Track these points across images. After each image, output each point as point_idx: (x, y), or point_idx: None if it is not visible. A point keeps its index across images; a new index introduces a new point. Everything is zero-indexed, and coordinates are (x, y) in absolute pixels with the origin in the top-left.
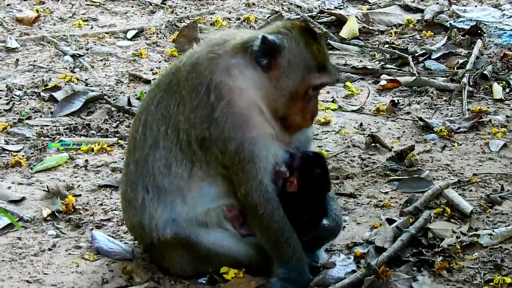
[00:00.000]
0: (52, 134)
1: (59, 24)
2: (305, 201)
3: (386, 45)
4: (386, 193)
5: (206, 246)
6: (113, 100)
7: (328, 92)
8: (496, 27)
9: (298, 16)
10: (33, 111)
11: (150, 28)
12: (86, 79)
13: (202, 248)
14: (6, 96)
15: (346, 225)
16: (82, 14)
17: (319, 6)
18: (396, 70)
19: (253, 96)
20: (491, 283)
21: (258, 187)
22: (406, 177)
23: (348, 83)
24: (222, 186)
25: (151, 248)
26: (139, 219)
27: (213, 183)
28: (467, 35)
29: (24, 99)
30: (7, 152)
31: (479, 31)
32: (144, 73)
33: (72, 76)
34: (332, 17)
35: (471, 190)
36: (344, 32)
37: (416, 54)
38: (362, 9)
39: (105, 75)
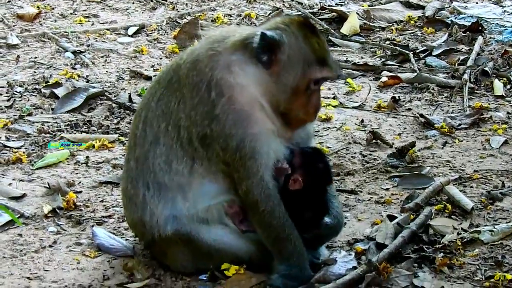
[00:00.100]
0: (53, 130)
1: (60, 21)
2: (308, 198)
3: (387, 42)
4: (387, 189)
5: (207, 242)
6: (114, 96)
7: (329, 89)
8: (497, 23)
9: (300, 13)
10: (34, 107)
11: (151, 25)
12: (87, 76)
13: (203, 244)
14: (7, 93)
15: (347, 222)
16: (83, 10)
17: (320, 2)
18: (397, 66)
19: (254, 92)
20: (492, 280)
21: (259, 183)
22: (407, 173)
23: (349, 80)
24: (223, 183)
25: (152, 244)
26: (140, 216)
27: (214, 180)
28: (468, 32)
29: (25, 95)
30: (8, 148)
31: (480, 28)
32: (145, 70)
33: (73, 72)
34: (333, 13)
35: (472, 187)
36: (345, 29)
37: (417, 51)
38: (363, 6)
39: (106, 71)
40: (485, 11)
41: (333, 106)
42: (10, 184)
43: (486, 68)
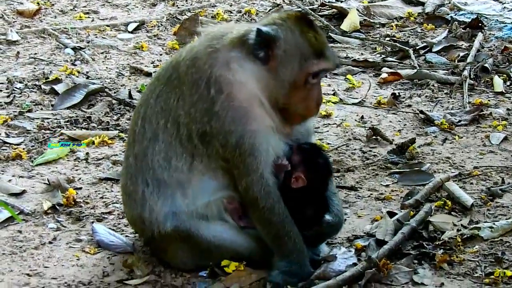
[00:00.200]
0: (53, 127)
1: (60, 17)
2: (310, 195)
3: (387, 38)
4: (387, 186)
5: (206, 239)
6: (114, 93)
7: (329, 85)
8: (497, 20)
9: (300, 9)
10: (34, 104)
11: (151, 21)
12: (87, 72)
13: (203, 241)
14: (6, 89)
15: (347, 218)
16: (83, 6)
17: None
18: (397, 63)
19: (253, 89)
20: (492, 276)
21: (258, 180)
22: (407, 170)
23: (349, 76)
24: (222, 179)
25: (152, 241)
26: (139, 212)
27: (214, 176)
28: (468, 28)
29: (24, 91)
30: (8, 145)
31: (480, 24)
32: (145, 66)
33: (73, 69)
34: (333, 10)
35: (471, 183)
36: (345, 25)
37: (417, 47)
38: (363, 2)
39: (106, 68)
40: (485, 8)
41: (333, 103)
42: (9, 180)
43: (486, 65)
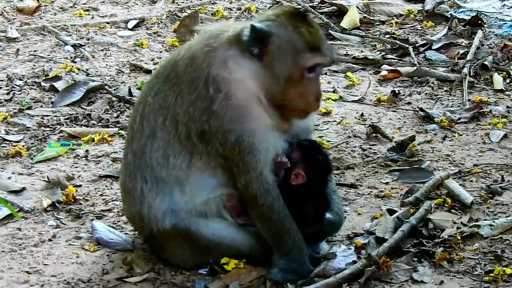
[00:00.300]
0: (52, 124)
1: (60, 14)
2: (310, 192)
3: (387, 36)
4: (386, 183)
5: (206, 236)
6: (114, 90)
7: (329, 82)
8: (497, 17)
9: (299, 6)
10: (34, 101)
11: (151, 18)
12: (87, 69)
13: (202, 239)
14: (6, 86)
15: (347, 216)
16: (83, 3)
17: None
18: (397, 60)
19: (250, 87)
20: (492, 274)
21: (258, 178)
22: (407, 167)
23: (349, 74)
24: (221, 177)
25: (151, 238)
26: (138, 210)
27: (213, 174)
28: (467, 26)
29: (24, 89)
30: (7, 142)
31: (480, 22)
32: (145, 63)
33: (72, 66)
34: (333, 7)
35: (471, 181)
36: (345, 22)
37: (417, 45)
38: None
39: (106, 65)
40: (484, 5)
41: (333, 100)
42: (9, 177)
43: (486, 62)
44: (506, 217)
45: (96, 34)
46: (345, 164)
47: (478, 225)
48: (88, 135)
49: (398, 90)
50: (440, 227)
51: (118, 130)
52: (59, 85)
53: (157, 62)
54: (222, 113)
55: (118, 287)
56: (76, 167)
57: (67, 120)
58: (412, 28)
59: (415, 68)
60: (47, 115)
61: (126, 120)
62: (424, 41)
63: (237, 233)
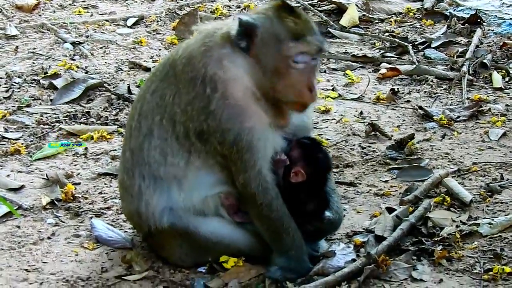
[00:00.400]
0: (51, 122)
1: (59, 11)
2: (310, 189)
3: (386, 34)
4: (386, 181)
5: (204, 235)
6: (113, 87)
7: (328, 81)
8: (496, 16)
9: (298, 4)
10: (33, 98)
11: (150, 16)
12: (86, 67)
13: (201, 238)
14: (5, 84)
15: (346, 214)
16: (82, 1)
17: None
18: (396, 58)
19: (246, 84)
20: (491, 272)
21: (256, 176)
22: (406, 165)
23: (348, 72)
24: (220, 175)
25: (150, 237)
26: (136, 207)
27: (211, 172)
28: (466, 24)
29: (23, 86)
30: (6, 140)
31: (479, 20)
32: (144, 61)
33: (72, 63)
34: (332, 5)
35: (470, 179)
36: (344, 21)
37: (416, 43)
38: None
39: (105, 62)
40: (483, 3)
41: (332, 98)
42: (8, 175)
43: (485, 60)
44: (505, 215)
45: (95, 32)
46: (344, 162)
47: (477, 223)
48: (87, 133)
49: (397, 88)
50: (439, 226)
51: (117, 128)
52: (58, 82)
53: (156, 60)
54: (219, 112)
55: (117, 285)
56: (75, 165)
57: (66, 118)
58: (411, 26)
59: (414, 66)
60: (46, 113)
61: (125, 118)
62: (423, 39)
63: (236, 232)
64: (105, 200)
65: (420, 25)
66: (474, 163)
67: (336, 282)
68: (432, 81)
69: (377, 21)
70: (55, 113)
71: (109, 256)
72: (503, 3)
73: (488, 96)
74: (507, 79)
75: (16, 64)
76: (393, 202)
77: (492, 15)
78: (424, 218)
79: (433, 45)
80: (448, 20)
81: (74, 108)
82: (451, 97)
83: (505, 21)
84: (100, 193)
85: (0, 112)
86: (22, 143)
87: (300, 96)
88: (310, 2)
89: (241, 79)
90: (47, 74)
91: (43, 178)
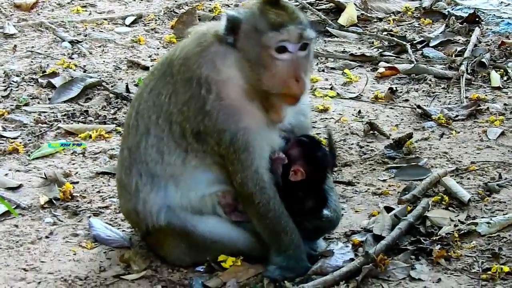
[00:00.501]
0: (49, 120)
1: (57, 10)
2: (309, 188)
3: (385, 33)
4: (384, 181)
5: (202, 234)
6: (111, 86)
7: (326, 79)
8: (494, 15)
9: (296, 3)
10: (31, 97)
11: (148, 15)
12: (84, 66)
13: (199, 236)
14: (3, 82)
15: (344, 213)
16: (80, 0)
17: None
18: (394, 57)
19: (239, 82)
20: (489, 272)
21: (253, 176)
22: (404, 164)
23: (346, 71)
24: (217, 174)
25: (148, 235)
26: (133, 205)
27: (208, 171)
28: (465, 23)
29: (21, 85)
30: (4, 138)
31: (477, 19)
32: (143, 60)
33: (70, 62)
34: (331, 4)
35: (469, 178)
36: (342, 19)
37: (415, 42)
38: None
39: (103, 61)
40: (482, 2)
41: (330, 97)
42: (6, 174)
43: (483, 60)
44: (503, 214)
45: (94, 31)
46: (342, 162)
47: (475, 222)
48: (85, 131)
49: (396, 87)
50: (437, 225)
51: (115, 126)
52: (57, 81)
53: (155, 59)
54: (215, 113)
55: (115, 284)
56: (73, 164)
57: (64, 117)
58: (409, 25)
59: (412, 65)
60: (44, 112)
61: (123, 116)
62: (422, 38)
63: (234, 231)
64: (103, 199)
65: (418, 24)
66: (472, 162)
67: (335, 282)
68: (430, 80)
69: (376, 20)
70: (53, 112)
71: (107, 255)
72: (501, 2)
73: (486, 95)
74: (505, 78)
75: (14, 62)
76: (391, 201)
77: (490, 14)
78: (422, 217)
79: (431, 44)
80: (447, 19)
81: (72, 107)
82: (450, 96)
83: (503, 20)
84: (98, 192)
85: None
86: (20, 142)
87: (287, 87)
88: (308, 1)
89: (234, 79)
90: (45, 73)
91: (41, 177)
